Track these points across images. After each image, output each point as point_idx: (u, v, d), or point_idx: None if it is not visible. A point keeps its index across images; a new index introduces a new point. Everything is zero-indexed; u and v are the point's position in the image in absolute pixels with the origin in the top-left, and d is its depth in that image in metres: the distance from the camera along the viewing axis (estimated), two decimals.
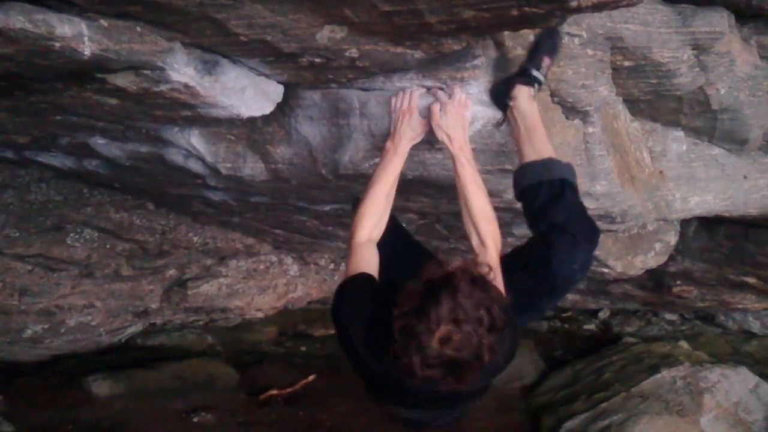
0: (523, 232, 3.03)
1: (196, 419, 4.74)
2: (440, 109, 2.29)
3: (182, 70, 2.16)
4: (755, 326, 6.50)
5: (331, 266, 5.46)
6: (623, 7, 1.94)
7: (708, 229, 4.82)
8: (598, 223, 3.17)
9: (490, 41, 2.34)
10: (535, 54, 2.36)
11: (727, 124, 3.28)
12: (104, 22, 1.87)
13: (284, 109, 2.71)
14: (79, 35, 1.84)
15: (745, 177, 3.62)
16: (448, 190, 2.71)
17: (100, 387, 4.82)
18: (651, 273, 4.74)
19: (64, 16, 1.79)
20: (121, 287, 4.85)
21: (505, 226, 3.30)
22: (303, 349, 6.09)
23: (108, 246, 4.75)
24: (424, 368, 1.66)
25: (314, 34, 1.97)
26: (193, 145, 2.99)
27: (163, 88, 2.23)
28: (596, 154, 2.85)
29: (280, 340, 6.19)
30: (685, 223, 4.37)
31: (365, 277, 2.02)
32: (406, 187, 2.83)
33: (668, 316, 6.75)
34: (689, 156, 3.42)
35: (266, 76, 2.42)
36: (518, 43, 2.38)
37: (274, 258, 5.29)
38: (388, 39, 2.04)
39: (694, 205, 3.51)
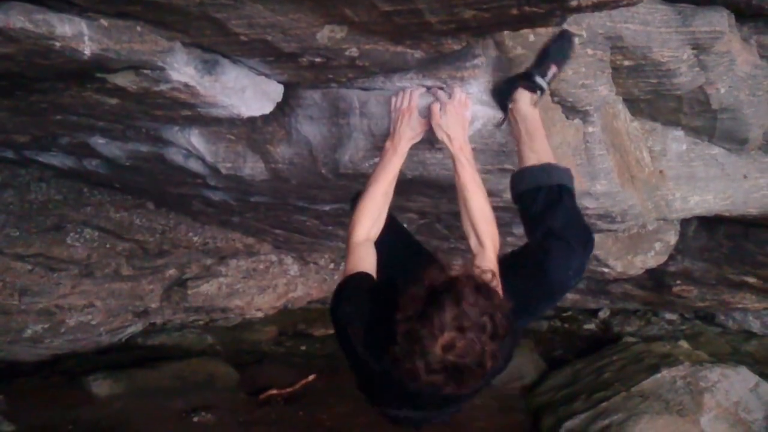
0: (523, 231, 3.03)
1: (196, 419, 4.74)
2: (440, 109, 2.29)
3: (182, 69, 2.16)
4: (755, 326, 6.50)
5: (331, 266, 5.46)
6: (623, 7, 1.95)
7: (708, 228, 4.82)
8: (598, 223, 3.19)
9: (490, 41, 2.34)
10: (543, 60, 2.36)
11: (727, 124, 3.28)
12: (104, 22, 1.87)
13: (284, 108, 2.71)
14: (79, 35, 1.84)
15: (745, 176, 3.62)
16: (448, 189, 2.71)
17: (101, 386, 4.82)
18: (651, 272, 4.74)
19: (65, 15, 1.79)
20: (121, 287, 4.86)
21: (504, 226, 3.31)
22: (303, 348, 6.09)
23: (108, 246, 4.75)
24: (427, 374, 1.67)
25: (314, 34, 1.97)
26: (193, 145, 2.99)
27: (163, 87, 2.23)
28: (596, 153, 2.85)
29: (280, 340, 6.19)
30: (685, 222, 4.37)
31: (364, 276, 2.02)
32: (406, 186, 2.82)
33: (668, 315, 6.75)
34: (689, 155, 3.42)
35: (266, 75, 2.42)
36: (518, 42, 2.38)
37: (274, 258, 5.29)
38: (388, 38, 2.04)
39: (694, 204, 3.51)
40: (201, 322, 5.75)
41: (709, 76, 3.00)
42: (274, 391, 5.22)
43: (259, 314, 5.53)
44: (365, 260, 2.07)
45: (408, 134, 2.33)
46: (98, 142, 3.19)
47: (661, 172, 3.34)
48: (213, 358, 5.55)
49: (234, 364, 5.52)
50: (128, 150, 3.22)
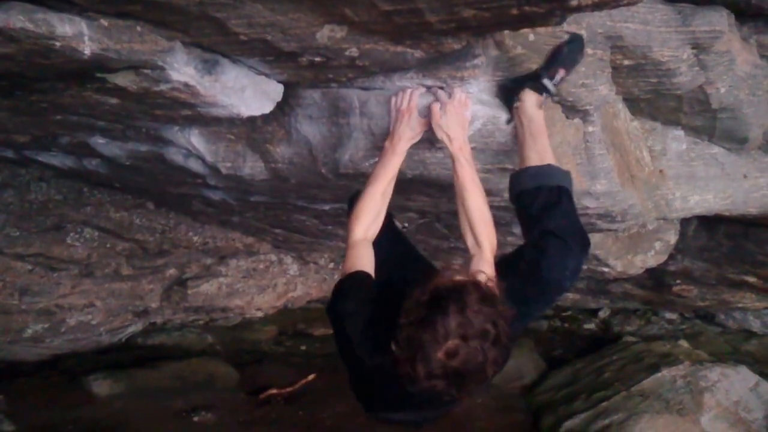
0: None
1: (196, 418, 4.74)
2: (440, 109, 2.29)
3: (182, 69, 2.16)
4: (755, 325, 6.51)
5: (331, 265, 5.46)
6: (623, 6, 1.95)
7: (708, 228, 4.82)
8: (599, 222, 3.19)
9: (491, 40, 2.34)
10: (552, 62, 2.36)
11: (726, 123, 3.28)
12: (104, 22, 1.87)
13: (284, 108, 2.71)
14: (79, 35, 1.84)
15: (745, 176, 3.63)
16: (448, 189, 2.71)
17: (101, 386, 4.82)
18: (651, 272, 4.75)
19: (65, 15, 1.79)
20: (121, 286, 4.86)
21: (505, 226, 3.31)
22: (303, 348, 6.09)
23: (108, 245, 4.75)
24: (427, 378, 1.67)
25: (314, 34, 1.97)
26: (193, 145, 2.99)
27: (163, 87, 2.23)
28: (596, 153, 2.85)
29: (279, 340, 6.19)
30: (685, 222, 4.38)
31: (362, 274, 2.02)
32: (406, 186, 2.83)
33: (668, 315, 6.75)
34: (689, 155, 3.42)
35: (266, 75, 2.42)
36: (518, 42, 2.38)
37: (273, 257, 5.29)
38: (388, 38, 2.04)
39: (694, 204, 3.51)
40: (201, 322, 5.75)
41: (709, 76, 3.00)
42: (274, 391, 5.22)
43: (259, 314, 5.54)
44: (363, 259, 2.07)
45: (407, 134, 2.33)
46: (98, 141, 3.20)
47: (661, 171, 3.34)
48: (213, 358, 5.55)
49: (234, 363, 5.52)
50: (128, 150, 3.22)
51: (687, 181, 3.43)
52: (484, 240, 2.12)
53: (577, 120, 2.77)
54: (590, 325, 6.90)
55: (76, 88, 2.34)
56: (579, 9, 1.75)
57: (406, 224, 3.95)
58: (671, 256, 4.58)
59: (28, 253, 4.54)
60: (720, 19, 2.81)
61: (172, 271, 5.04)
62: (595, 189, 2.88)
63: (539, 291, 2.19)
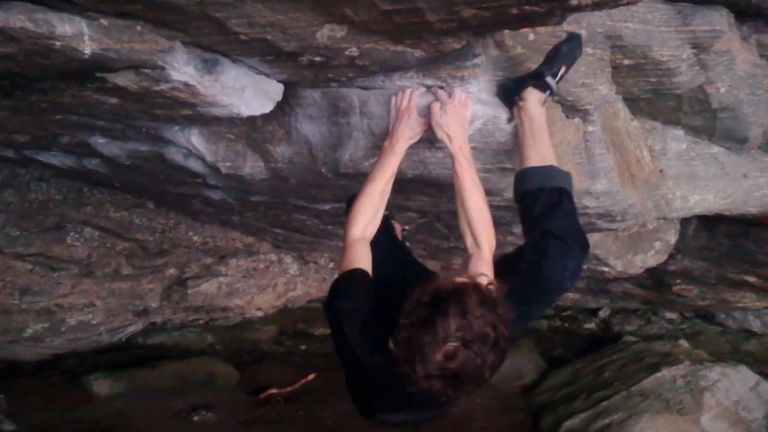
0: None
1: (196, 418, 4.75)
2: (440, 108, 2.29)
3: (182, 69, 2.16)
4: (755, 325, 6.51)
5: (331, 265, 5.46)
6: (623, 6, 1.94)
7: (708, 227, 4.82)
8: (599, 222, 3.20)
9: (491, 40, 2.34)
10: (553, 60, 2.36)
11: (726, 123, 3.28)
12: (104, 22, 1.87)
13: (284, 108, 2.71)
14: (79, 34, 1.84)
15: (744, 175, 3.63)
16: (448, 188, 2.71)
17: (101, 386, 4.83)
18: (651, 272, 4.75)
19: (65, 15, 1.79)
20: (121, 286, 4.86)
21: (505, 225, 3.31)
22: (303, 347, 6.10)
23: (108, 245, 4.75)
24: (425, 379, 1.68)
25: (314, 33, 1.97)
26: (193, 144, 2.99)
27: (163, 87, 2.23)
28: (596, 152, 2.85)
29: (279, 339, 6.20)
30: (685, 221, 4.38)
31: (360, 272, 2.03)
32: (406, 185, 2.83)
33: (668, 314, 6.76)
34: (689, 154, 3.42)
35: (266, 74, 2.42)
36: (518, 41, 2.38)
37: (273, 257, 5.30)
38: (388, 38, 2.04)
39: (694, 203, 3.51)
40: (201, 322, 5.75)
41: (709, 75, 3.00)
42: (274, 391, 5.22)
43: (259, 313, 5.54)
44: (361, 258, 2.08)
45: (407, 134, 2.33)
46: (98, 141, 3.20)
47: (661, 171, 3.34)
48: (213, 358, 5.55)
49: (234, 363, 5.52)
50: (128, 149, 3.22)
51: (687, 180, 3.43)
52: (483, 240, 2.12)
53: (577, 119, 2.77)
54: (590, 325, 6.90)
55: (76, 88, 2.34)
56: (579, 8, 1.75)
57: (407, 227, 3.96)
58: (671, 256, 4.58)
59: (28, 253, 4.54)
60: (720, 19, 2.81)
61: (172, 271, 5.04)
62: (595, 188, 2.88)
63: (539, 291, 2.20)
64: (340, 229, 4.26)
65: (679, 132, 3.37)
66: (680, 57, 2.81)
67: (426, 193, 3.14)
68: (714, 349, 6.09)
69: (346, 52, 2.11)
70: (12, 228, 4.51)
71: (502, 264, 2.15)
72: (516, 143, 2.48)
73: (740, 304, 5.55)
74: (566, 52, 2.35)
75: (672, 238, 4.22)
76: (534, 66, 2.40)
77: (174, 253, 4.98)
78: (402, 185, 2.50)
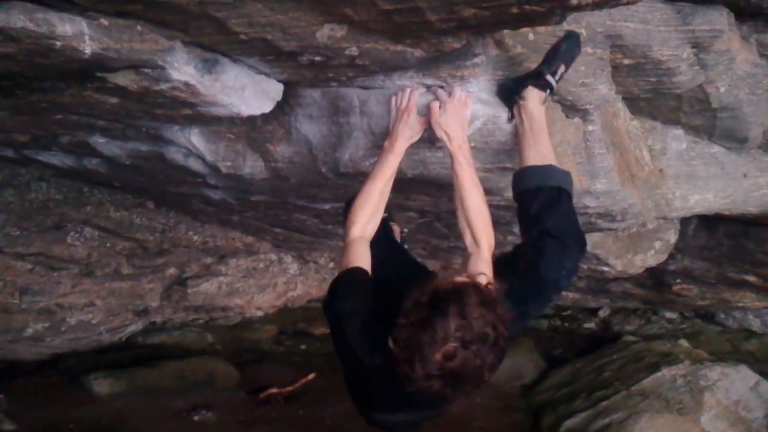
0: None
1: (196, 417, 4.75)
2: (440, 107, 2.29)
3: (182, 68, 2.16)
4: (755, 324, 6.51)
5: (331, 265, 5.46)
6: (623, 5, 1.95)
7: (708, 227, 4.82)
8: (599, 222, 3.20)
9: (490, 39, 2.34)
10: (552, 59, 2.36)
11: (726, 123, 3.29)
12: (105, 21, 1.87)
13: (284, 107, 2.71)
14: (79, 34, 1.84)
15: (744, 175, 3.63)
16: (448, 188, 2.70)
17: (101, 385, 4.83)
18: (651, 271, 4.75)
19: (65, 15, 1.79)
20: (122, 286, 4.86)
21: (505, 225, 3.31)
22: (303, 347, 6.10)
23: (108, 245, 4.75)
24: (424, 378, 1.68)
25: (314, 33, 1.97)
26: (193, 144, 2.99)
27: (163, 86, 2.23)
28: (596, 152, 2.85)
29: (280, 339, 6.20)
30: (684, 221, 4.38)
31: (359, 271, 2.03)
32: (406, 185, 2.83)
33: (668, 314, 6.76)
34: (689, 154, 3.42)
35: (266, 74, 2.42)
36: (518, 41, 2.38)
37: (273, 257, 5.30)
38: (388, 37, 2.04)
39: (694, 203, 3.51)
40: (201, 321, 5.75)
41: (709, 75, 3.00)
42: (274, 390, 5.23)
43: (259, 313, 5.54)
44: (360, 257, 2.08)
45: (406, 133, 2.33)
46: (98, 141, 3.20)
47: (660, 170, 3.35)
48: (213, 357, 5.56)
49: (234, 362, 5.53)
50: (128, 149, 3.22)
51: (687, 180, 3.43)
52: (482, 239, 2.12)
53: (577, 119, 2.77)
54: (590, 325, 6.91)
55: (76, 88, 2.35)
56: (579, 8, 1.75)
57: (405, 230, 3.96)
58: (671, 256, 4.59)
59: (28, 253, 4.54)
60: (720, 18, 2.81)
61: (172, 271, 5.04)
62: (595, 188, 2.89)
63: (537, 290, 2.20)
64: (340, 229, 4.26)
65: (679, 131, 3.37)
66: (680, 56, 2.81)
67: (426, 193, 3.14)
68: (714, 349, 6.10)
69: (346, 52, 2.11)
70: (12, 228, 4.51)
71: (500, 263, 2.15)
72: (516, 143, 2.48)
73: (740, 304, 5.55)
74: (565, 50, 2.35)
75: (672, 237, 4.22)
76: (534, 65, 2.40)
77: (174, 253, 4.98)
78: (402, 185, 2.50)
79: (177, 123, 2.85)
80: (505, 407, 5.39)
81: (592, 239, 3.81)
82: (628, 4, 1.87)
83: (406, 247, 3.55)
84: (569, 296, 6.10)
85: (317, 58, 2.17)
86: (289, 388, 5.29)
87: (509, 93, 2.43)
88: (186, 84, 2.22)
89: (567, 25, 2.43)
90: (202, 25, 1.95)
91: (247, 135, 2.97)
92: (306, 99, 2.67)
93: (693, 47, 2.85)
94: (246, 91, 2.41)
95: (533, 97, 2.37)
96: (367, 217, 2.18)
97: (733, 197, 3.63)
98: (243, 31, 1.97)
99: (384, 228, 2.32)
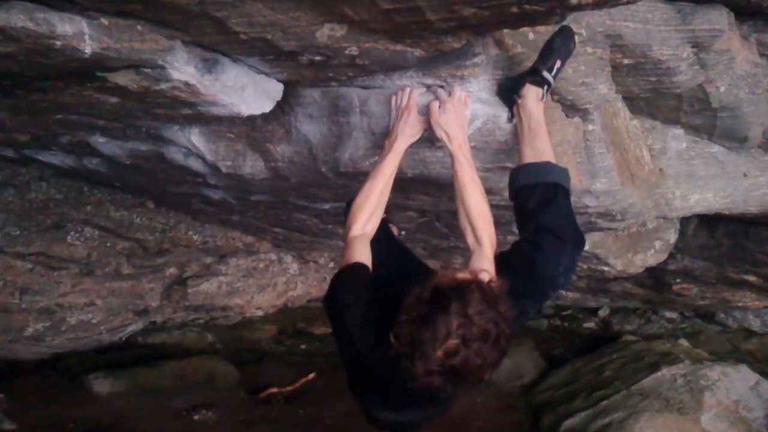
0: None
1: (196, 417, 4.75)
2: (440, 107, 2.29)
3: (183, 68, 2.16)
4: (755, 324, 6.51)
5: (331, 264, 5.46)
6: (623, 5, 1.95)
7: (708, 227, 4.82)
8: (599, 221, 3.20)
9: (490, 39, 2.34)
10: (548, 55, 2.36)
11: (726, 122, 3.29)
12: (105, 21, 1.87)
13: (284, 107, 2.72)
14: (80, 34, 1.84)
15: (744, 175, 3.63)
16: (448, 188, 2.71)
17: (101, 385, 4.83)
18: (651, 271, 4.75)
19: (65, 14, 1.80)
20: (122, 285, 4.86)
21: (505, 224, 3.31)
22: (303, 347, 6.10)
23: (108, 244, 4.75)
24: (425, 375, 1.68)
25: (314, 32, 1.98)
26: (193, 144, 2.99)
27: (163, 86, 2.23)
28: (596, 152, 2.85)
29: (280, 339, 6.20)
30: (684, 221, 4.38)
31: (360, 266, 2.03)
32: (406, 184, 2.83)
33: (668, 314, 6.75)
34: (689, 154, 3.42)
35: (266, 74, 2.43)
36: (518, 41, 2.38)
37: (273, 256, 5.30)
38: (388, 37, 2.04)
39: (694, 202, 3.51)
40: (201, 321, 5.75)
41: (709, 75, 3.00)
42: (275, 390, 5.22)
43: (259, 313, 5.54)
44: (361, 253, 2.08)
45: (406, 133, 2.33)
46: (98, 140, 3.20)
47: (660, 170, 3.35)
48: (213, 357, 5.55)
49: (234, 362, 5.52)
50: (128, 149, 3.22)
51: (687, 179, 3.43)
52: (484, 237, 2.12)
53: (576, 119, 2.77)
54: (590, 324, 6.90)
55: (76, 87, 2.35)
56: (579, 7, 1.75)
57: (404, 231, 3.96)
58: (671, 255, 4.59)
59: (28, 252, 4.54)
60: (720, 18, 2.81)
61: (172, 270, 5.04)
62: (595, 188, 2.89)
63: (534, 287, 2.19)
64: (340, 229, 4.27)
65: (679, 131, 3.37)
66: (680, 56, 2.81)
67: (426, 192, 3.14)
68: (714, 349, 6.09)
69: (346, 52, 2.11)
70: (12, 227, 4.51)
71: (498, 261, 2.15)
72: (516, 143, 2.48)
73: (740, 304, 5.55)
74: (559, 45, 2.35)
75: (672, 237, 4.22)
76: None
77: (174, 253, 4.98)
78: (402, 184, 2.50)
79: (177, 123, 2.85)
80: (505, 407, 5.39)
81: (592, 239, 3.81)
82: (627, 3, 1.87)
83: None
84: (569, 296, 6.10)
85: (317, 58, 2.17)
86: (289, 388, 5.29)
87: (508, 92, 2.43)
88: (186, 84, 2.22)
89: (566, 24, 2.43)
90: (202, 24, 1.95)
91: (247, 135, 2.97)
92: (306, 99, 2.67)
93: (693, 47, 2.85)
94: (246, 91, 2.41)
95: (531, 95, 2.37)
96: (367, 216, 2.18)
97: (733, 197, 3.63)
98: (243, 30, 1.97)
99: (384, 227, 2.32)
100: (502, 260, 2.19)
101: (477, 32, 2.12)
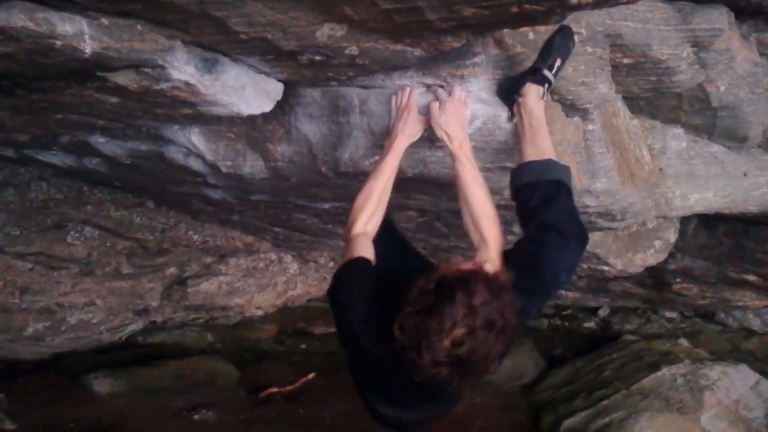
0: None
1: (196, 417, 4.75)
2: (439, 107, 2.29)
3: (183, 68, 2.16)
4: (755, 323, 6.51)
5: (331, 264, 5.46)
6: (622, 5, 1.95)
7: (708, 226, 4.82)
8: (599, 221, 3.20)
9: (490, 39, 2.34)
10: (548, 54, 2.36)
11: (726, 122, 3.29)
12: (105, 21, 1.87)
13: (284, 107, 2.72)
14: (80, 33, 1.84)
15: (744, 174, 3.63)
16: (448, 187, 2.71)
17: (101, 385, 4.83)
18: (651, 270, 4.75)
19: (66, 14, 1.80)
20: (122, 285, 4.86)
21: (505, 224, 3.30)
22: (303, 347, 6.10)
23: (108, 244, 4.76)
24: (432, 365, 1.67)
25: (314, 32, 1.98)
26: (193, 143, 3.00)
27: (163, 86, 2.23)
28: (596, 151, 2.85)
29: (280, 338, 6.20)
30: (684, 220, 4.38)
31: (362, 260, 2.03)
32: (406, 184, 2.83)
33: (668, 313, 6.75)
34: (689, 153, 3.42)
35: (266, 74, 2.43)
36: (518, 40, 2.38)
37: (273, 256, 5.30)
38: (387, 36, 2.04)
39: (694, 202, 3.51)
40: (201, 321, 5.75)
41: (709, 74, 3.00)
42: (275, 390, 5.22)
43: (259, 312, 5.54)
44: (362, 249, 2.08)
45: (407, 132, 2.33)
46: (98, 140, 3.20)
47: (660, 169, 3.35)
48: (213, 357, 5.55)
49: (234, 362, 5.52)
50: (128, 148, 3.22)
51: (687, 179, 3.43)
52: (488, 235, 2.10)
53: (576, 118, 2.77)
54: (590, 324, 6.90)
55: (76, 87, 2.35)
56: (579, 7, 1.75)
57: (403, 224, 3.95)
58: (671, 255, 4.59)
59: (28, 252, 4.54)
60: (720, 17, 2.81)
61: (172, 270, 5.04)
62: (595, 187, 2.89)
63: (536, 284, 2.17)
64: (340, 228, 4.28)
65: (679, 131, 3.37)
66: (680, 56, 2.81)
67: (426, 192, 3.14)
68: (714, 348, 6.09)
69: (346, 51, 2.11)
70: (12, 227, 4.52)
71: (502, 260, 2.14)
72: (516, 142, 2.48)
73: (740, 303, 5.55)
74: (559, 43, 2.35)
75: (672, 236, 4.22)
76: None
77: (174, 252, 4.98)
78: (402, 184, 2.50)
79: (177, 122, 2.85)
80: (505, 407, 5.39)
81: (592, 238, 3.80)
82: (627, 3, 1.87)
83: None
84: (569, 295, 6.10)
85: (317, 58, 2.17)
86: (289, 388, 5.29)
87: (509, 92, 2.43)
88: (186, 83, 2.22)
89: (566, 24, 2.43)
90: (203, 24, 1.95)
91: (247, 134, 2.97)
92: (306, 98, 2.67)
93: (693, 46, 2.85)
94: (246, 91, 2.41)
95: (531, 93, 2.37)
96: (368, 216, 2.18)
97: (733, 196, 3.63)
98: (243, 30, 1.97)
99: (387, 224, 2.32)
100: (505, 259, 2.18)
101: (477, 32, 2.12)
